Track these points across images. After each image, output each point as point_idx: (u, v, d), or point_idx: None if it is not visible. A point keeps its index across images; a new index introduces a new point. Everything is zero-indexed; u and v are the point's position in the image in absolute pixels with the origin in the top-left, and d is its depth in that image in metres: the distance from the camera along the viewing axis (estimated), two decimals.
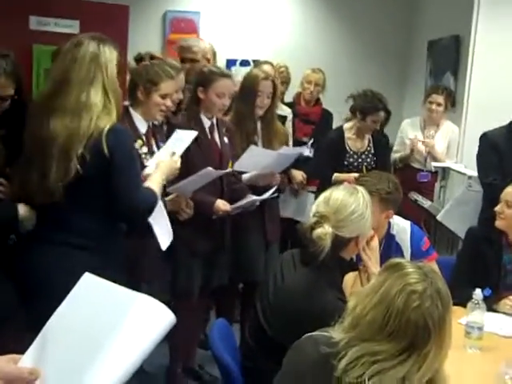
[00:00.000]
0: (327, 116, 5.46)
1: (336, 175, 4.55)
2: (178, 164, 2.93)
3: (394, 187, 3.06)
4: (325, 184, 4.42)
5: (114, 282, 1.38)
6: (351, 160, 4.71)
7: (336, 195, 2.42)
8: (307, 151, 5.07)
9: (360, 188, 2.51)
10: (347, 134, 4.78)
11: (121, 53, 2.64)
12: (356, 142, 4.76)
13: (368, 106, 4.63)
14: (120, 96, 2.60)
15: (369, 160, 4.73)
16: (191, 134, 3.22)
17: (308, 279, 2.38)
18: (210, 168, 3.32)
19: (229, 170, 3.55)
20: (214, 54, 4.70)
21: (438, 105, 5.26)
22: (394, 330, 1.66)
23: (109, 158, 2.45)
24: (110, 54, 2.55)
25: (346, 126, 4.81)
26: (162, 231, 3.06)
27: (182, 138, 3.12)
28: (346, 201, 2.39)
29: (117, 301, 1.32)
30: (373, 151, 4.76)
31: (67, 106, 2.48)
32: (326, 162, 4.70)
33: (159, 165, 2.83)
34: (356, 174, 4.33)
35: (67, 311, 1.36)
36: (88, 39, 2.54)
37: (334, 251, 2.36)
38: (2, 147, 2.60)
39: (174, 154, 2.93)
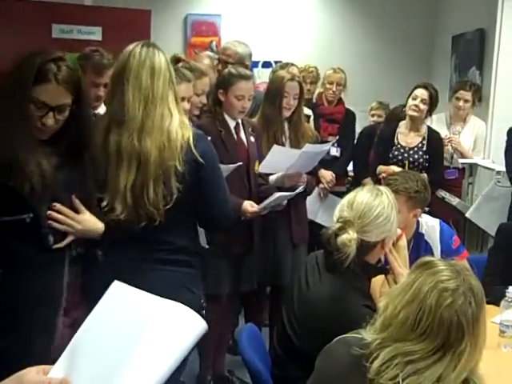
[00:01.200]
0: (350, 115, 5.44)
1: (379, 167, 4.55)
2: None
3: (423, 186, 3.03)
4: (359, 176, 4.68)
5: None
6: (396, 153, 4.67)
7: (360, 198, 2.36)
8: (334, 150, 5.07)
9: (384, 189, 2.44)
10: (400, 129, 4.76)
11: None
12: (407, 137, 4.71)
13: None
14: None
15: (416, 156, 4.65)
16: None
17: (333, 286, 2.34)
18: None
19: (239, 163, 3.47)
20: (250, 57, 4.69)
21: (466, 101, 5.17)
22: (427, 328, 1.63)
23: (202, 162, 2.41)
24: (168, 61, 2.51)
25: (402, 121, 4.78)
26: None
27: None
28: (371, 204, 2.33)
29: (148, 309, 1.31)
30: (425, 148, 4.68)
31: (154, 123, 2.39)
32: (376, 154, 4.76)
33: None
34: (394, 167, 4.39)
35: (97, 320, 1.34)
36: (154, 50, 2.46)
37: (359, 256, 2.30)
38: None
39: None
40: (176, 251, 2.46)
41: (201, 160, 2.40)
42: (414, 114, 4.63)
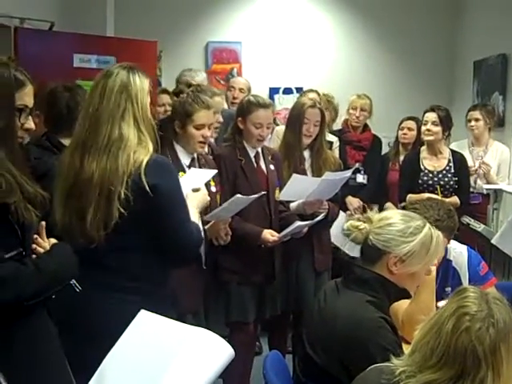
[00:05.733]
0: (377, 142, 5.42)
1: (409, 196, 4.54)
2: (208, 197, 2.82)
3: (447, 215, 2.96)
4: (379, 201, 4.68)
5: None
6: (425, 179, 4.71)
7: (391, 213, 2.43)
8: (361, 177, 5.04)
9: (425, 222, 2.40)
10: (422, 154, 4.81)
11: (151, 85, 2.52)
12: (432, 161, 4.77)
13: None
14: (153, 126, 2.44)
15: (446, 179, 4.70)
16: (210, 172, 3.15)
17: (350, 299, 2.32)
18: (238, 195, 3.24)
19: (262, 193, 3.44)
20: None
21: (476, 120, 5.20)
22: (443, 354, 1.59)
23: (151, 194, 2.28)
24: (140, 83, 2.39)
25: (423, 147, 4.85)
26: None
27: (200, 176, 2.99)
28: (396, 216, 2.36)
29: (175, 336, 1.29)
30: (453, 170, 4.73)
31: (100, 144, 2.32)
32: (401, 182, 4.81)
33: (189, 199, 2.60)
34: (428, 195, 4.32)
35: (124, 348, 1.33)
36: (118, 69, 2.40)
37: (364, 259, 2.35)
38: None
39: (198, 189, 2.75)
40: (128, 279, 2.35)
41: (148, 190, 2.27)
42: (429, 138, 4.72)
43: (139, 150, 2.32)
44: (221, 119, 3.86)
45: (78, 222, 2.33)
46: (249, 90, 5.16)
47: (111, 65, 2.51)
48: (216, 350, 1.26)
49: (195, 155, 3.33)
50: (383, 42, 7.13)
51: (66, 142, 2.94)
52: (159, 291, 2.41)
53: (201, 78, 4.87)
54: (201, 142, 3.24)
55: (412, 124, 5.27)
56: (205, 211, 3.09)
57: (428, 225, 2.37)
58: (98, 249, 2.31)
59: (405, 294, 2.42)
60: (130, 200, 2.27)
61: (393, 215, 2.37)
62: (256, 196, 3.36)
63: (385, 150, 5.67)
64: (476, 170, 5.07)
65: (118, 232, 2.30)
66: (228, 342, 1.31)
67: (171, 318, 1.78)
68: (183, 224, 2.41)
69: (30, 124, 2.08)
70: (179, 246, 2.42)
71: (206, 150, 3.54)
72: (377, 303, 2.29)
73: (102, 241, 2.30)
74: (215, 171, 3.21)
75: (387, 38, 7.10)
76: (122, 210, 2.26)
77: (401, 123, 5.36)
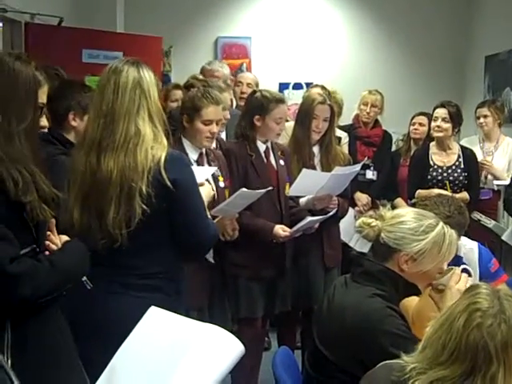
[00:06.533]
0: (387, 138, 5.40)
1: (418, 191, 4.55)
2: (212, 191, 2.82)
3: (457, 211, 2.95)
4: (388, 197, 4.52)
5: None
6: (434, 174, 4.71)
7: (404, 211, 2.43)
8: (370, 173, 5.04)
9: (438, 221, 2.39)
10: (431, 150, 4.80)
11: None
12: (441, 157, 4.76)
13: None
14: (165, 120, 2.44)
15: (456, 175, 4.69)
16: (210, 170, 3.16)
17: (357, 292, 2.33)
18: (243, 189, 3.23)
19: (269, 188, 3.43)
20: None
21: (485, 116, 5.18)
22: (454, 350, 1.59)
23: (172, 189, 2.29)
24: (150, 78, 2.39)
25: (432, 143, 4.84)
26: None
27: (201, 173, 2.93)
28: (409, 215, 2.36)
29: (185, 332, 1.30)
30: (462, 166, 4.72)
31: (117, 141, 2.30)
32: (410, 178, 4.81)
33: None
34: (437, 190, 4.31)
35: (134, 344, 1.34)
36: (126, 65, 2.37)
37: (375, 256, 2.35)
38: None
39: (202, 184, 2.71)
40: (146, 276, 2.36)
41: (170, 185, 2.28)
42: (439, 134, 4.72)
43: (156, 145, 2.32)
44: (228, 116, 3.85)
45: (97, 221, 2.32)
46: (256, 85, 5.15)
47: (115, 60, 2.47)
48: (226, 347, 1.27)
49: (203, 150, 3.33)
50: (393, 38, 7.12)
51: None
52: (174, 287, 2.42)
53: (227, 70, 4.93)
54: (208, 138, 3.24)
55: (424, 119, 5.25)
56: (210, 206, 3.09)
57: (441, 224, 2.36)
58: (117, 247, 2.30)
59: (414, 289, 2.42)
60: (152, 196, 2.27)
61: (405, 213, 2.37)
62: (262, 191, 3.34)
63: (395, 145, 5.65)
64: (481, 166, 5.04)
65: (138, 229, 2.29)
66: (236, 337, 1.31)
67: (183, 314, 1.81)
68: (201, 217, 2.43)
69: (44, 122, 2.12)
70: (198, 241, 2.44)
71: (214, 145, 3.54)
72: (385, 296, 2.30)
73: (125, 239, 2.29)
74: (215, 168, 3.21)
75: (398, 33, 7.10)
76: (145, 207, 2.26)
77: (412, 118, 5.35)
